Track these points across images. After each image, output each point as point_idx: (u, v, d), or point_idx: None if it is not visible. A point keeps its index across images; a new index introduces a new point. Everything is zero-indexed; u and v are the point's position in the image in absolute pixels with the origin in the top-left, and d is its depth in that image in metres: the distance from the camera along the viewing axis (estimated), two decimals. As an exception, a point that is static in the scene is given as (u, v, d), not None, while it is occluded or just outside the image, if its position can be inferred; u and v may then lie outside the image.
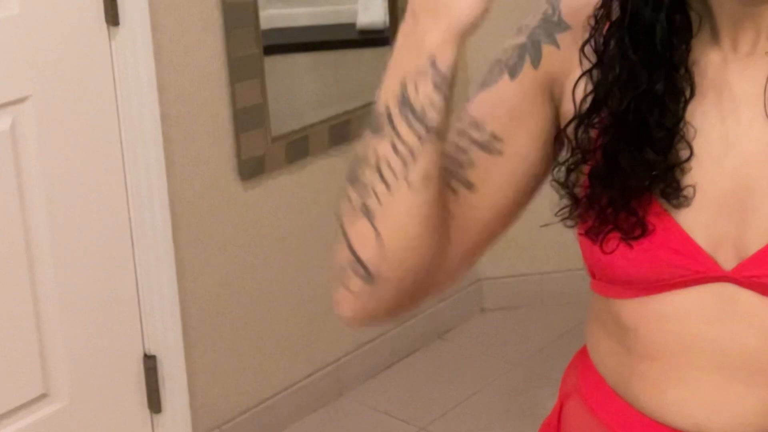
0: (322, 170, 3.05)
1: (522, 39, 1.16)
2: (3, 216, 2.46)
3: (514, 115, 1.13)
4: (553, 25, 1.15)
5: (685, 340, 1.11)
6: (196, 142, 2.76)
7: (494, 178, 1.13)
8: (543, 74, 1.14)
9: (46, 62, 2.47)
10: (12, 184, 2.46)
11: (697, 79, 1.09)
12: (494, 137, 1.13)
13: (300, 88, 3.12)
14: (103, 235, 2.63)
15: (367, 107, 3.19)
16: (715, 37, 1.10)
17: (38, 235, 2.51)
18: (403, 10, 3.43)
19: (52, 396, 2.61)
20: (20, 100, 2.45)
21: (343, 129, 3.07)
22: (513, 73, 1.14)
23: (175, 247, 2.73)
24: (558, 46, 1.14)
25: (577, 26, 1.13)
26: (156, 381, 2.76)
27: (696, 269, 1.08)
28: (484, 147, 1.13)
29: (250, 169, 2.86)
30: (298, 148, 2.96)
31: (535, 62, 1.14)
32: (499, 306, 3.54)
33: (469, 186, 1.12)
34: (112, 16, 2.55)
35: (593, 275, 1.18)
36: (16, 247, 2.49)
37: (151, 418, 2.80)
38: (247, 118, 2.82)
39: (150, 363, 2.75)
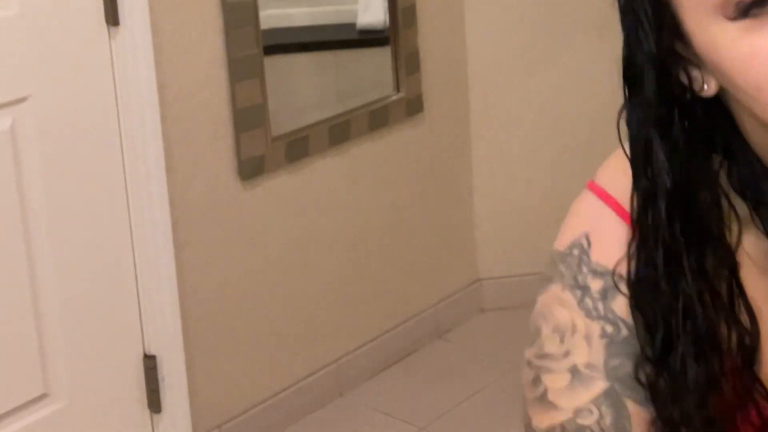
0: (322, 170, 3.05)
1: (601, 385, 0.91)
2: (3, 216, 2.46)
3: None
4: (628, 341, 0.91)
5: None
6: (196, 142, 2.76)
7: None
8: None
9: (46, 62, 2.47)
10: (12, 184, 2.46)
11: None
12: None
13: (300, 88, 3.12)
14: (103, 235, 2.63)
15: (367, 107, 3.22)
16: None
17: (38, 235, 2.51)
18: (404, 10, 3.46)
19: (52, 396, 2.61)
20: (20, 100, 2.45)
21: (343, 129, 3.07)
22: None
23: (175, 247, 2.73)
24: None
25: None
26: (156, 381, 2.76)
27: None
28: None
29: (250, 169, 2.86)
30: (298, 148, 2.96)
31: (641, 400, 0.91)
32: (499, 306, 3.54)
33: None
34: (112, 16, 2.55)
35: None
36: (16, 247, 2.49)
37: (151, 418, 2.80)
38: (247, 118, 2.82)
39: (150, 363, 2.75)
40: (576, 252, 0.94)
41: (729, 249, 0.90)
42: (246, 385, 2.96)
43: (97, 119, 2.58)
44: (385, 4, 3.15)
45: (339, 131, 3.06)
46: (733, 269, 0.90)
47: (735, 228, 0.90)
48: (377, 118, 3.16)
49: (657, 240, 0.88)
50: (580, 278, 0.92)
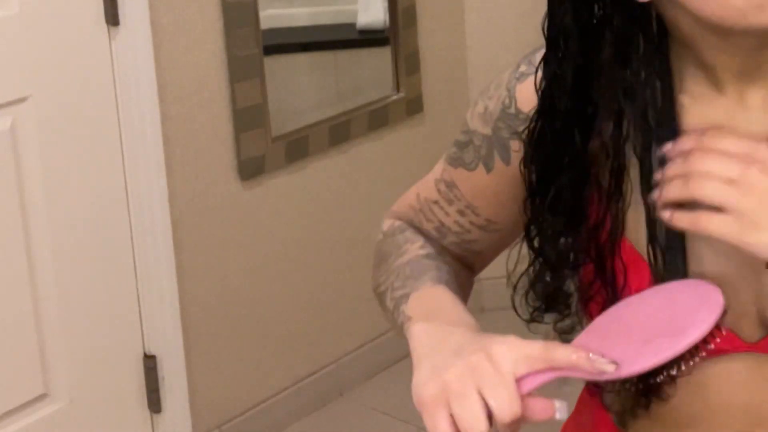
0: (322, 170, 3.05)
1: (488, 130, 1.15)
2: (3, 216, 2.46)
3: (501, 202, 1.18)
4: (512, 118, 1.13)
5: (715, 407, 1.08)
6: (196, 142, 2.76)
7: (498, 242, 1.24)
8: (516, 168, 1.13)
9: (46, 62, 2.47)
10: (12, 184, 2.46)
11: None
12: (489, 221, 1.21)
13: (300, 88, 3.12)
14: (103, 236, 2.63)
15: (367, 107, 3.22)
16: (718, 89, 1.03)
17: (38, 235, 2.51)
18: (404, 10, 3.45)
19: (52, 396, 2.61)
20: (20, 100, 2.45)
21: (343, 129, 3.07)
22: (488, 167, 1.17)
23: (175, 247, 2.73)
24: (524, 141, 1.12)
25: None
26: (156, 381, 2.76)
27: (719, 347, 1.00)
28: (483, 228, 1.21)
29: (250, 169, 2.86)
30: (298, 148, 2.96)
31: (506, 160, 1.15)
32: (499, 306, 3.54)
33: (478, 253, 1.25)
34: (112, 16, 2.55)
35: None
36: (16, 247, 2.49)
37: (151, 418, 2.80)
38: (247, 118, 2.82)
39: (150, 363, 2.75)
40: (539, 46, 1.12)
41: (618, 140, 1.04)
42: (246, 385, 2.96)
43: (97, 119, 2.58)
44: (385, 4, 3.15)
45: (339, 131, 3.06)
46: (616, 157, 1.05)
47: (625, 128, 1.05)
48: (377, 118, 3.16)
49: (553, 116, 1.06)
50: (524, 60, 1.15)
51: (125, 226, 2.66)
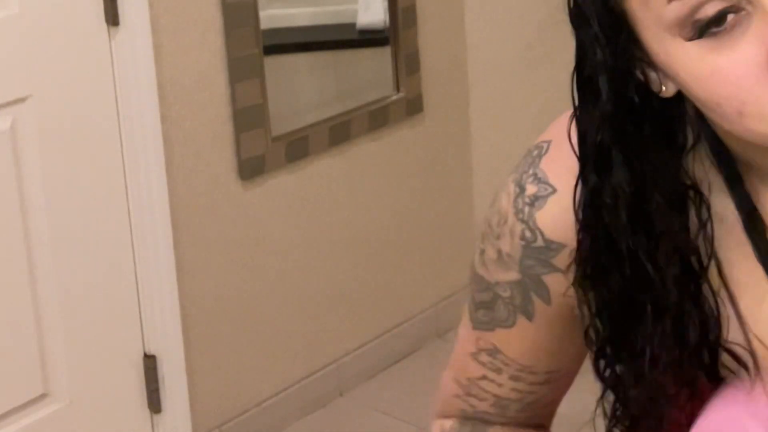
0: (322, 170, 3.05)
1: (514, 275, 1.01)
2: (3, 216, 2.46)
3: (557, 347, 1.06)
4: (542, 251, 0.99)
5: None
6: (196, 142, 2.76)
7: (566, 384, 1.12)
8: (560, 303, 1.01)
9: (46, 62, 2.47)
10: (12, 184, 2.46)
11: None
12: (550, 372, 1.08)
13: (300, 88, 3.12)
14: (103, 236, 2.63)
15: (367, 107, 3.22)
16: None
17: (38, 235, 2.51)
18: (404, 10, 3.45)
19: (52, 396, 2.61)
20: (20, 100, 2.45)
21: (343, 129, 3.07)
22: (528, 316, 1.03)
23: (175, 247, 2.73)
24: (562, 271, 0.99)
25: (569, 238, 0.97)
26: (156, 381, 2.76)
27: None
28: (546, 383, 1.09)
29: (250, 169, 2.86)
30: (298, 148, 2.96)
31: (546, 299, 1.02)
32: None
33: (548, 405, 1.12)
34: (112, 16, 2.55)
35: None
36: (16, 247, 2.49)
37: (151, 418, 2.80)
38: (247, 118, 2.83)
39: (150, 363, 2.75)
40: (534, 153, 1.00)
41: (684, 243, 0.93)
42: (246, 385, 2.96)
43: (97, 119, 2.58)
44: (385, 4, 3.15)
45: (339, 131, 3.06)
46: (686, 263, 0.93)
47: (704, 212, 0.93)
48: (377, 118, 3.16)
49: (607, 240, 0.92)
50: (524, 177, 0.99)
51: (125, 226, 2.66)
